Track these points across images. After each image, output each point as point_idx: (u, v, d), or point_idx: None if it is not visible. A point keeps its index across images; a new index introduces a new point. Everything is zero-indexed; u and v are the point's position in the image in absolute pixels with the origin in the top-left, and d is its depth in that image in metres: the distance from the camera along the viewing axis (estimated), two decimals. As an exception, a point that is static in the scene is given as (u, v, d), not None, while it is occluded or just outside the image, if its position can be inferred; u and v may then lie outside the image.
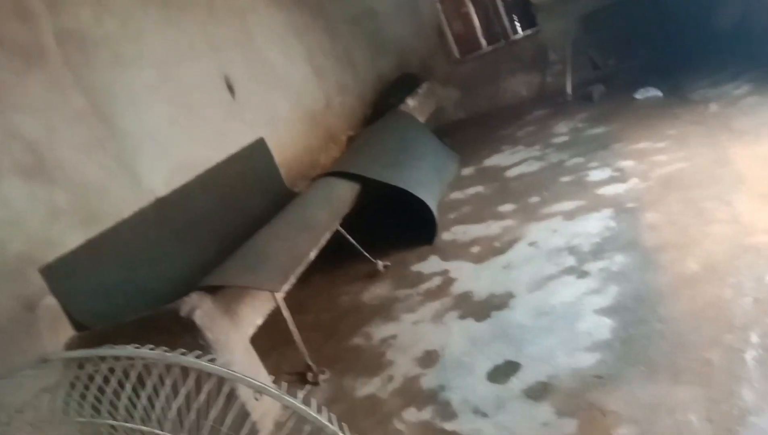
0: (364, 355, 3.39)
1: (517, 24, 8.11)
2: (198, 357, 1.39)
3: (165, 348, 1.44)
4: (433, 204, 4.69)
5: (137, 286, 3.61)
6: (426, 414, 2.70)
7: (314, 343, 3.60)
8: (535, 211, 4.33)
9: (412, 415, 2.74)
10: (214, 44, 5.21)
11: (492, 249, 4.03)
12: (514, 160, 5.65)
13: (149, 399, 1.44)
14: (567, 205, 4.21)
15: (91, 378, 1.52)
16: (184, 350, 1.41)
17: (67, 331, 3.11)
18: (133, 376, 1.43)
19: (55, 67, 3.66)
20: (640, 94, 6.02)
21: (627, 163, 4.49)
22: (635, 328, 2.69)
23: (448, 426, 2.56)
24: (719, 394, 2.16)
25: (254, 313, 3.22)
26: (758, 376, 2.16)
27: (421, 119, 6.60)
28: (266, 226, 3.85)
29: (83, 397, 1.54)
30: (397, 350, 3.31)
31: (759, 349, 2.28)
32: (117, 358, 1.49)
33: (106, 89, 3.97)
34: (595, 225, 3.77)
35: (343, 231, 4.26)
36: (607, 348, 2.64)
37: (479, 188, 5.31)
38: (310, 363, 3.36)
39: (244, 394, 1.61)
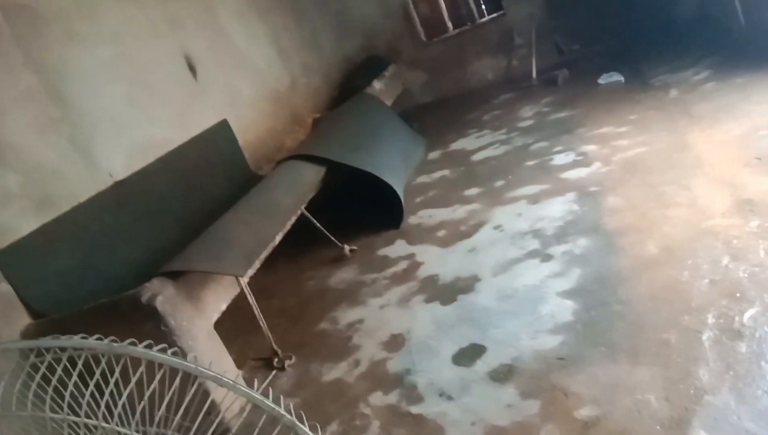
0: (331, 340, 3.37)
1: (484, 7, 8.10)
2: (148, 347, 1.35)
3: (114, 338, 1.39)
4: (399, 188, 4.67)
5: (97, 273, 3.51)
6: (392, 398, 2.71)
7: (280, 328, 3.56)
8: (501, 195, 4.36)
9: (378, 399, 2.74)
10: (174, 22, 5.04)
11: (458, 233, 4.05)
12: (480, 144, 5.67)
13: (96, 391, 1.39)
14: (531, 189, 4.26)
15: (36, 369, 1.46)
16: (133, 340, 1.37)
17: (24, 320, 3.00)
18: (80, 366, 1.38)
19: (3, 44, 3.49)
20: (603, 80, 6.11)
21: (590, 148, 4.55)
22: (597, 311, 2.75)
23: (414, 409, 2.58)
24: (677, 374, 2.22)
25: (218, 299, 3.17)
26: (714, 357, 2.23)
27: (388, 102, 6.56)
28: (230, 210, 3.78)
29: (27, 388, 1.48)
30: (364, 335, 3.31)
31: (715, 330, 2.36)
32: (63, 349, 1.43)
33: (60, 68, 3.81)
34: (558, 209, 3.82)
35: (308, 215, 4.21)
36: (569, 330, 2.69)
37: (445, 172, 5.32)
38: (276, 348, 3.33)
39: (209, 384, 1.58)
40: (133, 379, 1.31)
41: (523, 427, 2.25)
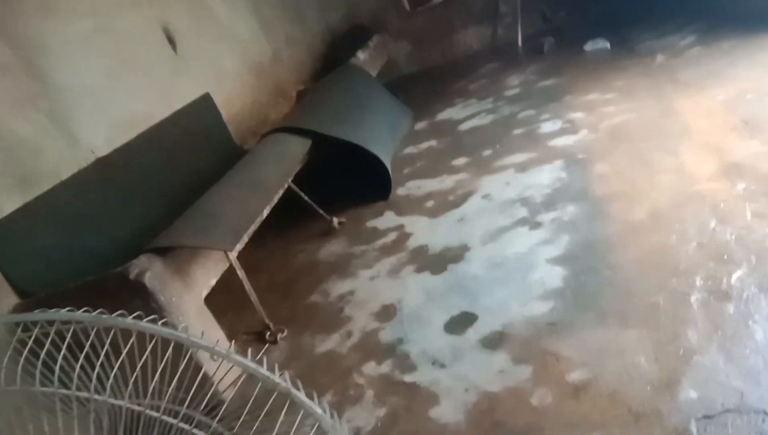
0: (322, 312, 3.38)
1: (468, -25, 7.97)
2: (136, 318, 1.33)
3: (103, 310, 1.37)
4: (387, 159, 4.64)
5: (82, 251, 3.46)
6: (385, 367, 2.72)
7: (271, 302, 3.55)
8: (488, 164, 4.35)
9: (371, 368, 2.76)
10: (152, -7, 4.90)
11: (446, 203, 4.05)
12: (467, 114, 5.64)
13: (86, 364, 1.37)
14: (519, 158, 4.25)
15: (24, 344, 1.43)
16: (123, 311, 1.35)
17: (11, 299, 2.96)
18: (69, 340, 1.36)
19: (-25, 17, 3.37)
20: (589, 46, 6.07)
21: (577, 115, 4.54)
22: (585, 276, 2.77)
23: (408, 378, 2.60)
24: (665, 336, 2.25)
25: (207, 274, 3.14)
26: (702, 318, 2.26)
27: (373, 73, 6.47)
28: (216, 185, 3.73)
29: (16, 363, 1.46)
30: (355, 306, 3.31)
31: (703, 292, 2.39)
32: (50, 323, 1.41)
33: (36, 41, 3.69)
34: (546, 176, 3.82)
35: (295, 188, 4.17)
36: (559, 296, 2.71)
37: (432, 142, 5.29)
38: (268, 322, 3.33)
39: (201, 356, 1.57)
40: (124, 351, 1.29)
41: (515, 392, 2.28)
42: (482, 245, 3.37)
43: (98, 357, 1.34)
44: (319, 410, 1.34)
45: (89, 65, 4.02)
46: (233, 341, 1.39)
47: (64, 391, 1.37)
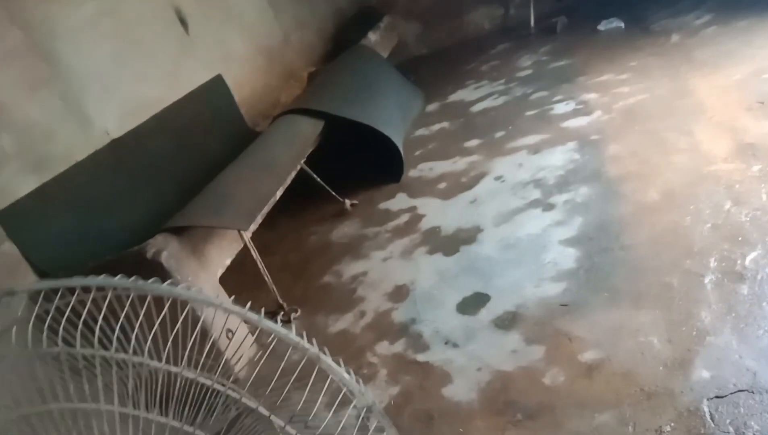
0: (335, 293, 3.40)
1: (480, -47, 7.86)
2: (172, 285, 1.37)
3: (137, 277, 1.42)
4: (398, 141, 4.63)
5: (98, 231, 3.50)
6: (398, 347, 2.75)
7: (284, 283, 3.59)
8: (501, 146, 4.34)
9: (384, 348, 2.79)
10: (162, -26, 4.87)
11: (459, 184, 4.04)
12: (479, 95, 5.60)
13: (123, 329, 1.43)
14: (532, 139, 4.23)
15: (60, 311, 1.48)
16: (157, 278, 1.40)
17: (31, 278, 3.01)
18: (104, 307, 1.41)
19: (-14, 1, 3.38)
20: (603, 26, 5.99)
21: (590, 96, 4.51)
22: (599, 257, 2.77)
23: (421, 357, 2.63)
24: (679, 316, 2.26)
25: (222, 254, 3.18)
26: (716, 299, 2.26)
27: (384, 54, 6.43)
28: (229, 167, 3.75)
29: (53, 330, 1.51)
30: (368, 287, 3.33)
31: (717, 273, 2.38)
32: (87, 289, 1.45)
33: (46, 24, 3.69)
34: (559, 158, 3.81)
35: (308, 169, 4.18)
36: (572, 277, 2.72)
37: (444, 124, 5.27)
38: (282, 302, 3.36)
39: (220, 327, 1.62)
40: (159, 317, 1.34)
41: (528, 372, 2.30)
42: (495, 227, 3.38)
43: (131, 322, 1.40)
44: (346, 375, 1.39)
45: (101, 48, 4.04)
46: (263, 308, 1.43)
47: (103, 352, 1.43)
